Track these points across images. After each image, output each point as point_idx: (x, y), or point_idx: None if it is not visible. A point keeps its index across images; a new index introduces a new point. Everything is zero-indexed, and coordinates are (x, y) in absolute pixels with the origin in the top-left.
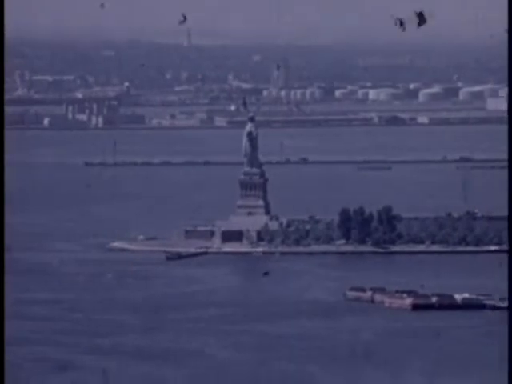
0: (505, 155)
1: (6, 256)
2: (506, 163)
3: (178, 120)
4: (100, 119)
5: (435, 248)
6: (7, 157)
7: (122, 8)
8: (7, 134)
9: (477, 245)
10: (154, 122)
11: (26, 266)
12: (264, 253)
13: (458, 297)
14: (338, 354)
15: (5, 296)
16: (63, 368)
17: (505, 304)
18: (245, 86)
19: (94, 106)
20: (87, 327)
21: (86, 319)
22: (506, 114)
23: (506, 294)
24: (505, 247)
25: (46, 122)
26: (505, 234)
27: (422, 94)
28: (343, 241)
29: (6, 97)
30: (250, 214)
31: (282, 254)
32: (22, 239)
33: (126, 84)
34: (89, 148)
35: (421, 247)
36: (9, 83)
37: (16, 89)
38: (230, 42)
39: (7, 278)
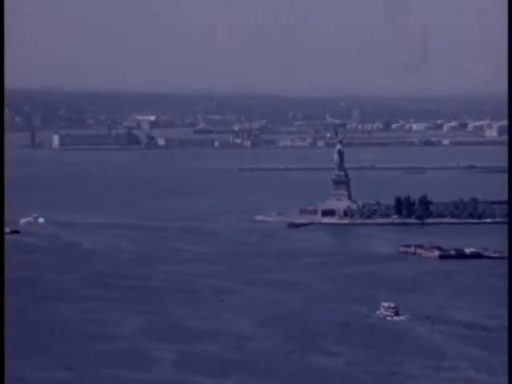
0: (496, 165)
1: (189, 223)
2: (498, 169)
3: (296, 143)
4: (248, 142)
5: (453, 220)
6: (196, 164)
7: (260, 72)
8: (196, 151)
9: (479, 218)
10: (281, 143)
11: (199, 230)
12: (348, 224)
13: (467, 250)
14: (393, 284)
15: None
16: (230, 293)
17: (496, 255)
18: (336, 121)
19: (245, 134)
20: (240, 267)
21: (239, 263)
22: (497, 139)
23: (496, 249)
24: (496, 220)
25: (216, 144)
26: (496, 212)
27: (445, 127)
28: (396, 216)
29: (193, 128)
30: (339, 199)
31: (358, 224)
32: (197, 215)
33: (264, 120)
34: (241, 159)
35: (444, 220)
36: (194, 120)
37: (198, 124)
38: (327, 94)
39: (189, 238)
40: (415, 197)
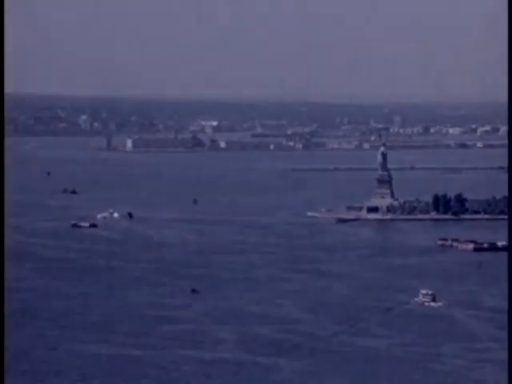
0: None
1: (246, 218)
2: None
3: (343, 145)
4: (300, 145)
5: (486, 216)
6: (254, 165)
7: (309, 81)
8: (253, 153)
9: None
10: (330, 146)
11: (257, 224)
12: (390, 219)
13: (499, 243)
14: (431, 273)
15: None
16: (283, 281)
17: None
18: (379, 126)
19: (297, 138)
20: (293, 258)
21: (292, 254)
22: None
23: None
24: None
25: (271, 146)
26: None
27: (479, 131)
28: (435, 212)
29: (250, 132)
30: (382, 197)
31: (399, 219)
32: (255, 211)
33: (314, 125)
34: (294, 160)
35: (478, 216)
36: (251, 125)
37: (256, 128)
38: (369, 102)
39: (247, 231)
40: (451, 194)
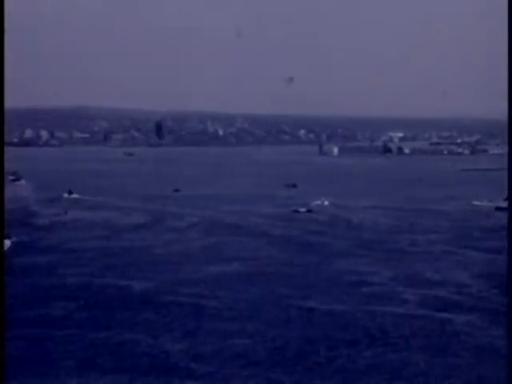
0: None
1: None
2: None
3: (502, 151)
4: (467, 151)
5: None
6: (430, 166)
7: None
8: (430, 157)
9: None
10: (491, 151)
11: (432, 211)
12: None
13: None
14: None
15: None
16: (453, 254)
17: None
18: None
19: (465, 145)
20: (460, 236)
21: (460, 233)
22: None
23: None
24: None
25: (445, 152)
26: None
27: None
28: None
29: (428, 142)
30: None
31: None
32: (430, 200)
33: (479, 135)
34: (462, 163)
35: None
36: (429, 136)
37: (432, 138)
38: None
39: (424, 215)
40: None
